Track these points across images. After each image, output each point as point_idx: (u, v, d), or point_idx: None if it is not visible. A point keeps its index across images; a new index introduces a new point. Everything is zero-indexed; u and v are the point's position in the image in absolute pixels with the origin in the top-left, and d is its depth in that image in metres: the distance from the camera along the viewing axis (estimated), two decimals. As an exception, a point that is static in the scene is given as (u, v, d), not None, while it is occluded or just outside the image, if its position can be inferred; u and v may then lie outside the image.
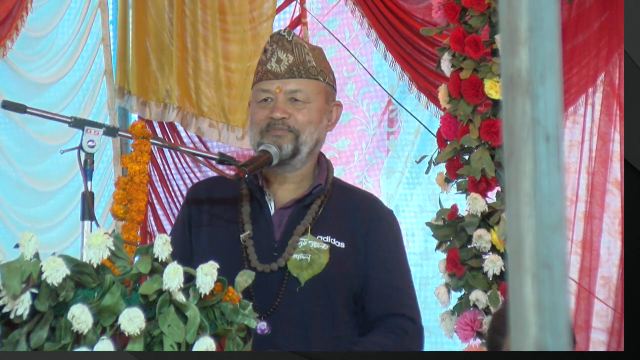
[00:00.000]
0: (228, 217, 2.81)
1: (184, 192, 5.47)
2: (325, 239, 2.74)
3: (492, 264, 4.19)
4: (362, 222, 2.79)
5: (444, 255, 4.38)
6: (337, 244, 2.74)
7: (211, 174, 5.24)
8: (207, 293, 1.96)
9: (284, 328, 2.67)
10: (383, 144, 5.44)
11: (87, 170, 2.46)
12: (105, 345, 1.89)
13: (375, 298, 2.76)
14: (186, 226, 2.85)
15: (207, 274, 1.96)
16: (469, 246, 4.30)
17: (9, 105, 2.53)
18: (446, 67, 4.42)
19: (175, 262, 1.97)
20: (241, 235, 2.76)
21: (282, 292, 2.70)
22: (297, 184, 2.82)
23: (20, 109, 2.52)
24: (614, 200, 4.78)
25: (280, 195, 2.82)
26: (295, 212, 2.78)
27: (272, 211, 2.79)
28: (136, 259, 2.02)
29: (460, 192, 4.39)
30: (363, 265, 2.76)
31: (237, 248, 2.75)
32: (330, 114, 2.86)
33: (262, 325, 2.63)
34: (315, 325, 2.70)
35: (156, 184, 5.50)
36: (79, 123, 2.52)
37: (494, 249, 4.26)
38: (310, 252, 2.72)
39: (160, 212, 5.54)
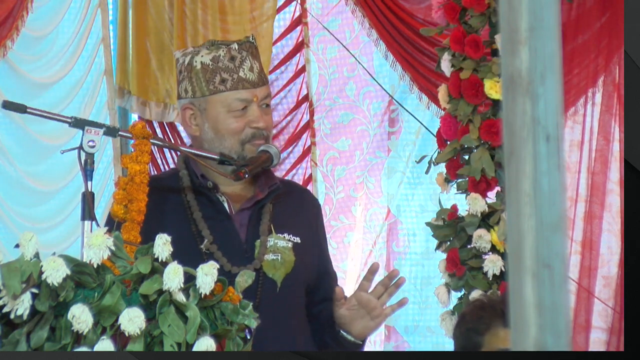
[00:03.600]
0: (179, 226, 2.69)
1: (184, 192, 5.47)
2: (284, 236, 2.75)
3: (492, 264, 4.19)
4: (311, 215, 2.86)
5: (444, 255, 4.38)
6: (293, 239, 2.76)
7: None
8: (207, 293, 1.96)
9: (267, 328, 2.67)
10: (384, 143, 5.44)
11: (88, 170, 2.46)
12: (105, 345, 1.89)
13: (323, 287, 2.82)
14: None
15: (207, 274, 1.96)
16: (469, 246, 4.29)
17: (10, 105, 2.53)
18: (446, 67, 4.42)
19: (176, 262, 1.97)
20: (202, 246, 2.69)
21: (259, 293, 2.70)
22: (245, 185, 2.78)
23: (21, 109, 2.52)
24: (615, 200, 4.78)
25: (234, 196, 2.78)
26: (255, 212, 2.77)
27: (232, 212, 2.76)
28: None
29: (460, 192, 4.39)
30: (318, 257, 2.82)
31: (202, 257, 2.67)
32: None
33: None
34: (295, 321, 2.74)
35: (156, 184, 5.49)
36: (79, 123, 2.52)
37: (494, 249, 4.26)
38: (278, 251, 2.73)
39: (160, 212, 5.53)
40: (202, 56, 2.78)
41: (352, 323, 2.68)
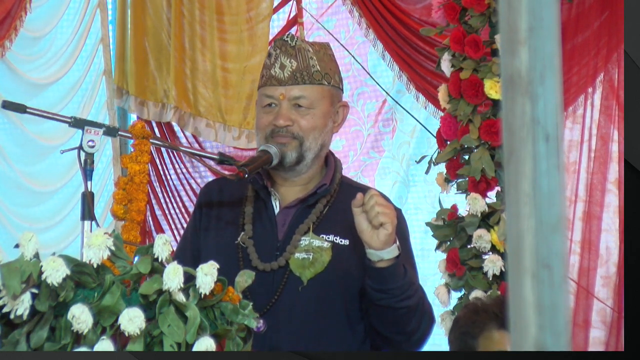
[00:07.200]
0: (232, 219, 2.82)
1: (182, 193, 5.49)
2: (328, 238, 2.73)
3: (492, 264, 4.19)
4: None
5: (442, 255, 4.38)
6: (340, 241, 2.73)
7: (210, 174, 5.25)
8: (207, 293, 1.96)
9: (282, 326, 2.67)
10: (378, 144, 5.44)
11: (87, 170, 2.46)
12: (105, 345, 1.89)
13: None
14: (196, 230, 2.87)
15: (207, 274, 1.96)
16: (469, 246, 4.30)
17: (9, 105, 2.53)
18: (446, 67, 4.42)
19: (175, 262, 1.97)
20: (239, 237, 2.77)
21: (281, 290, 2.70)
22: (304, 185, 2.82)
23: (21, 109, 2.52)
24: (614, 200, 4.78)
25: (286, 195, 2.82)
26: (299, 211, 2.78)
27: (277, 210, 2.80)
28: (136, 259, 2.02)
29: (460, 192, 4.39)
30: None
31: (236, 249, 2.76)
32: (336, 116, 2.86)
33: (258, 323, 2.64)
34: (313, 322, 2.70)
35: (154, 184, 5.50)
36: (79, 123, 2.53)
37: (494, 249, 4.26)
38: (312, 250, 2.72)
39: (158, 212, 5.54)
40: None
41: (371, 234, 2.59)
